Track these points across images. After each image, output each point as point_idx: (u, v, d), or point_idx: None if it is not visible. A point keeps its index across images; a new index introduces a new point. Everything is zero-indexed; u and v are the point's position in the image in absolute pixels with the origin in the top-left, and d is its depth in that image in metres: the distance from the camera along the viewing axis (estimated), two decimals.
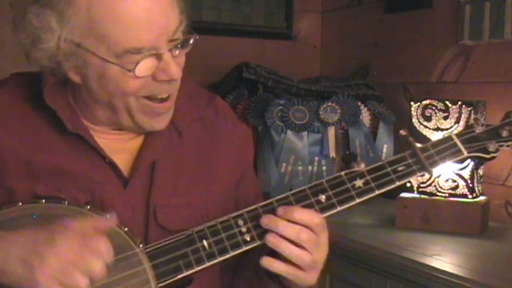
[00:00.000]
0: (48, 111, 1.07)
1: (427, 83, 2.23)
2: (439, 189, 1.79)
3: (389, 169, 1.07)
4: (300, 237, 0.99)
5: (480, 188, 1.81)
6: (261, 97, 2.23)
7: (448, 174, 1.78)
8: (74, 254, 0.90)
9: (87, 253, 0.90)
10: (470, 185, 1.76)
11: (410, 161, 1.08)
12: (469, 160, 1.75)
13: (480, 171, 1.82)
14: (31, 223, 0.99)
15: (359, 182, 1.06)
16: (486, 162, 1.14)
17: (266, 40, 2.68)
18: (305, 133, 2.15)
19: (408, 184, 1.83)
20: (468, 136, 1.11)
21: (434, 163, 1.08)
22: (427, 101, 1.80)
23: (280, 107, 2.15)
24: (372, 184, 1.06)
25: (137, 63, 1.00)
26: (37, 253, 0.90)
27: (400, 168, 1.07)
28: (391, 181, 1.06)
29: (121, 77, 1.01)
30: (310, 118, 2.15)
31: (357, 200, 1.06)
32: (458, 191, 1.78)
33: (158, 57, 1.01)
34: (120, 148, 1.12)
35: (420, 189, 1.82)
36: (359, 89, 2.31)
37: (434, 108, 1.78)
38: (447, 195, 1.79)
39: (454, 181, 1.78)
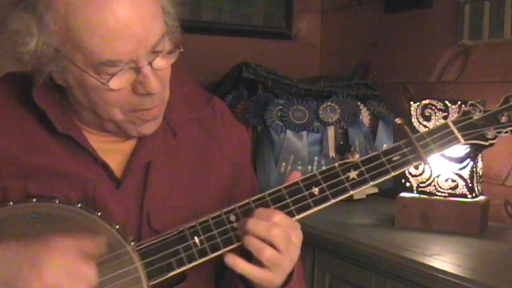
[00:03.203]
0: (39, 111, 1.06)
1: (427, 83, 2.23)
2: (439, 188, 1.79)
3: (383, 159, 1.04)
4: (270, 232, 0.96)
5: (479, 188, 1.81)
6: (261, 97, 2.23)
7: (447, 174, 1.78)
8: (60, 280, 0.88)
9: (73, 280, 0.88)
10: (470, 185, 1.76)
11: (405, 150, 1.05)
12: (468, 160, 1.76)
13: (480, 171, 1.82)
14: (24, 224, 0.98)
15: (353, 174, 1.04)
16: (484, 149, 1.11)
17: (266, 40, 2.68)
18: (304, 133, 2.15)
19: (408, 184, 1.84)
20: (465, 123, 1.08)
21: (430, 152, 1.05)
22: (426, 101, 1.80)
23: (280, 107, 2.15)
24: (366, 175, 1.04)
25: (113, 75, 0.97)
26: (21, 278, 0.87)
27: (395, 158, 1.04)
28: (386, 172, 1.04)
29: (98, 88, 0.99)
30: (309, 118, 2.15)
31: (351, 192, 1.03)
32: (458, 191, 1.78)
33: (137, 70, 0.98)
34: (113, 149, 1.10)
35: (420, 189, 1.82)
36: (358, 89, 2.31)
37: (433, 108, 1.78)
38: (446, 194, 1.79)
39: (453, 180, 1.78)
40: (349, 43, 2.63)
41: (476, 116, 1.08)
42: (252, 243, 0.98)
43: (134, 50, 0.96)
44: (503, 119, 1.08)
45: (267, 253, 0.97)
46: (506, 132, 1.08)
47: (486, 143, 1.08)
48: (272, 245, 0.97)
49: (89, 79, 0.98)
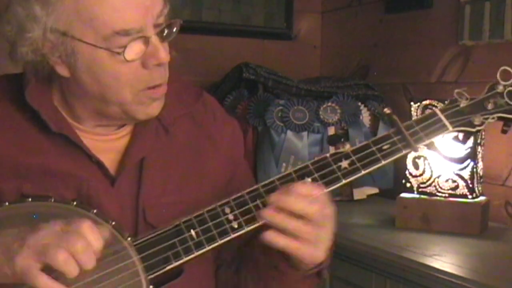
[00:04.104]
0: (32, 112, 1.07)
1: (427, 83, 2.23)
2: (439, 189, 1.79)
3: (374, 148, 1.06)
4: (297, 207, 0.97)
5: (480, 188, 1.81)
6: (261, 97, 2.23)
7: (448, 174, 1.78)
8: (55, 235, 0.90)
9: (68, 233, 0.90)
10: (470, 185, 1.76)
11: (394, 138, 1.07)
12: (469, 160, 1.76)
13: (480, 171, 1.82)
14: (22, 223, 0.98)
15: (344, 163, 1.05)
16: (472, 135, 1.12)
17: (266, 40, 2.68)
18: (305, 133, 2.15)
19: (408, 185, 1.84)
20: (453, 111, 1.10)
21: (419, 140, 1.07)
22: (427, 101, 1.80)
23: (280, 107, 2.15)
24: (358, 164, 1.05)
25: (125, 46, 0.99)
26: (18, 238, 0.90)
27: (385, 147, 1.06)
28: (377, 160, 1.05)
29: (111, 63, 1.00)
30: (310, 118, 2.15)
31: (344, 181, 1.05)
32: (458, 191, 1.78)
33: (146, 40, 1.01)
34: (106, 147, 1.11)
35: (420, 189, 1.82)
36: (359, 89, 2.31)
37: (434, 108, 1.78)
38: (447, 195, 1.79)
39: (454, 181, 1.78)
40: (350, 43, 2.63)
41: (463, 103, 1.10)
42: (276, 219, 0.98)
43: (143, 18, 1.00)
44: (489, 106, 1.11)
45: (298, 226, 0.97)
46: (493, 118, 1.11)
47: (474, 129, 1.10)
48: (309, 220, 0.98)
49: (101, 55, 1.00)
